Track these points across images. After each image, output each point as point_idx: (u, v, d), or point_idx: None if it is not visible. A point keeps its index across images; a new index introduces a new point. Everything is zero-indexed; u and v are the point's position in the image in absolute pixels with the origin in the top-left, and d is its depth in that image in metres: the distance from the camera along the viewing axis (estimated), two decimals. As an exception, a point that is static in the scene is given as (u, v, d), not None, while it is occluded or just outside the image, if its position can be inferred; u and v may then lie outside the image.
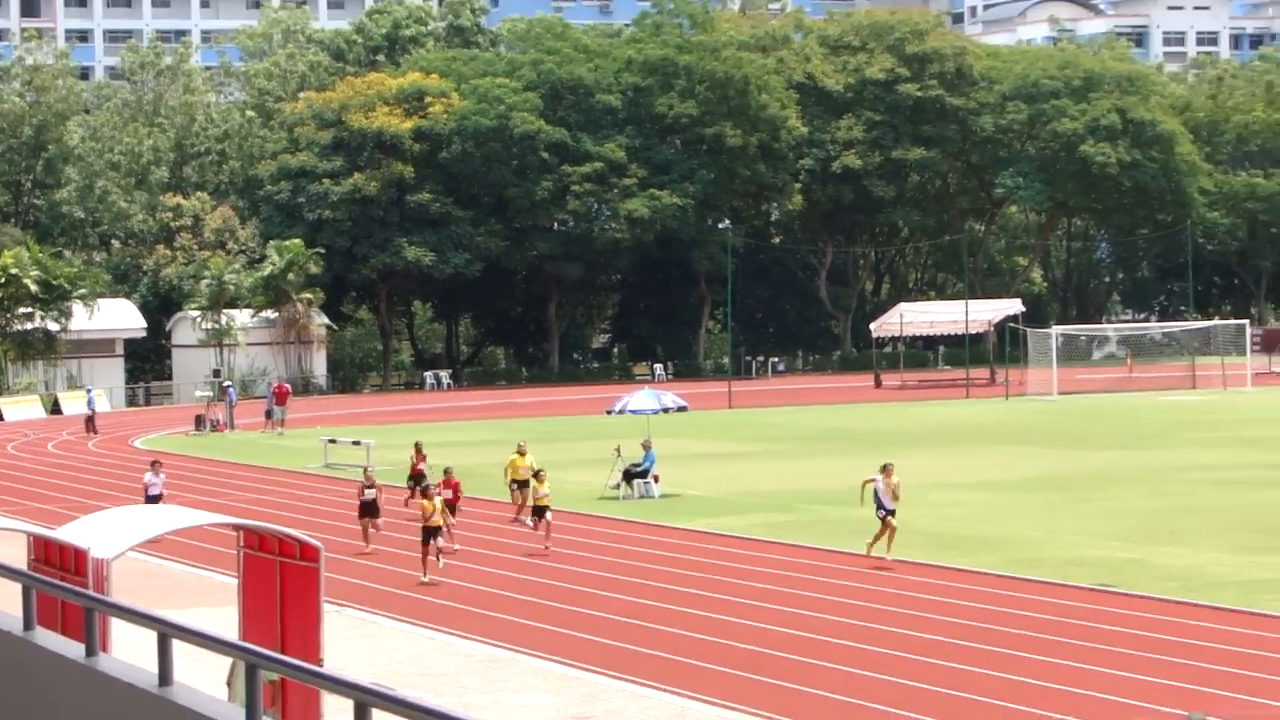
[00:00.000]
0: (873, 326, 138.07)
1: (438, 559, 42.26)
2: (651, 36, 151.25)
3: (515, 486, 55.02)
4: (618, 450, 63.42)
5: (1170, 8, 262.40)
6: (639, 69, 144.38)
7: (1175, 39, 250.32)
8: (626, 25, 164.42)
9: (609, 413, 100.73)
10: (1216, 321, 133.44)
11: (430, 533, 42.13)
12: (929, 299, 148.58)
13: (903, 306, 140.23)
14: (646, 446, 63.03)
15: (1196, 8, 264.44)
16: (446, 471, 50.95)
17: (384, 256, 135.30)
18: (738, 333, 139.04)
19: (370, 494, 48.75)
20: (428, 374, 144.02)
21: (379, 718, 11.49)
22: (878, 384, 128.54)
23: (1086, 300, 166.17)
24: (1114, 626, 36.24)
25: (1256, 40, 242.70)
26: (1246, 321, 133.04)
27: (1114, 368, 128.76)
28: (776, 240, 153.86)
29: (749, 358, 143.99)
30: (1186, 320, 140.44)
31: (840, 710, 30.76)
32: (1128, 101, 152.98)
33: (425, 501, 42.37)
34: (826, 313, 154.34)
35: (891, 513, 41.92)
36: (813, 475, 67.47)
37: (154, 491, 52.42)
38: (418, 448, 59.37)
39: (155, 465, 55.40)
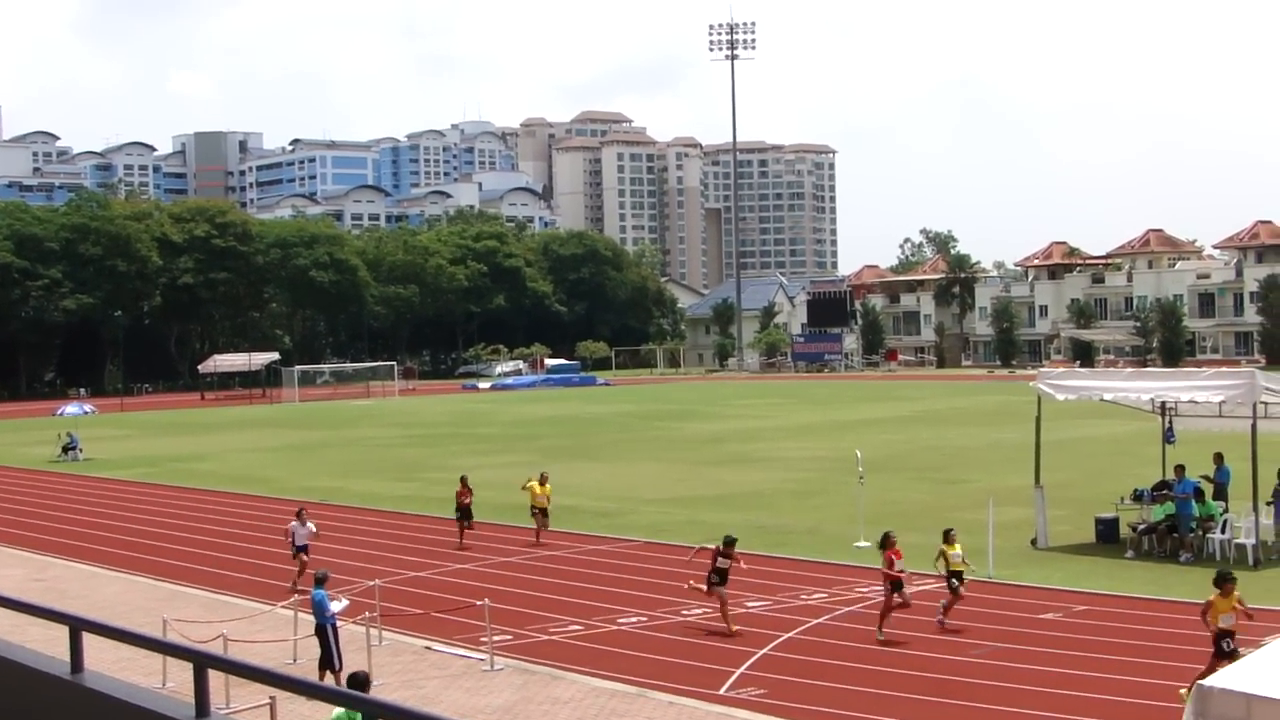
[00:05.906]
0: (200, 367, 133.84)
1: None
2: (76, 211, 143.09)
3: (536, 513, 31.78)
4: (59, 435, 61.58)
5: (356, 200, 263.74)
6: (71, 230, 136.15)
7: (357, 217, 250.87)
8: (62, 205, 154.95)
9: (54, 414, 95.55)
10: (379, 363, 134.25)
11: (718, 575, 21.82)
12: (230, 353, 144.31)
13: (216, 357, 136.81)
14: (72, 434, 61.60)
15: (359, 200, 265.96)
16: (463, 480, 32.50)
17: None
18: (126, 370, 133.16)
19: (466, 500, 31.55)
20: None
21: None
22: (203, 398, 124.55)
23: (313, 352, 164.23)
24: (343, 522, 36.24)
25: (399, 219, 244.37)
26: (395, 362, 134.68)
27: (328, 388, 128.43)
28: (148, 322, 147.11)
29: (134, 384, 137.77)
30: (355, 362, 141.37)
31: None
32: (332, 249, 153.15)
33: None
34: (174, 360, 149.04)
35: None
36: (168, 446, 66.08)
37: (300, 542, 27.25)
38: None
39: (300, 514, 27.86)
